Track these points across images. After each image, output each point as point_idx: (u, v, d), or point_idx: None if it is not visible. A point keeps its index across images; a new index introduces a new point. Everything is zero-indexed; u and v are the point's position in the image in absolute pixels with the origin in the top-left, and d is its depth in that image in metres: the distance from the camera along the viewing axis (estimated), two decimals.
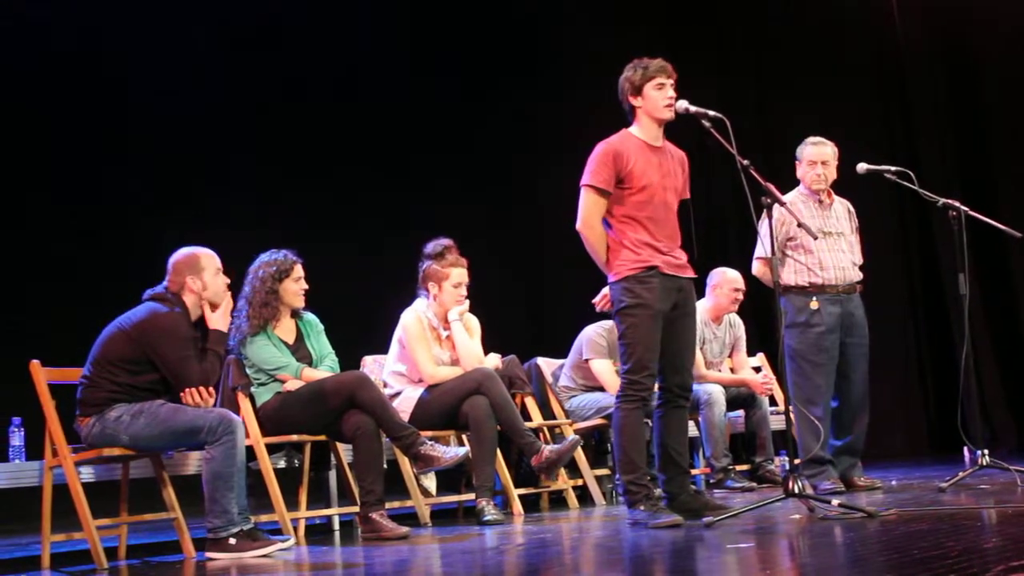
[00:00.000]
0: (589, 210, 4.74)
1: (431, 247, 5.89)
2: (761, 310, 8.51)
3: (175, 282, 4.76)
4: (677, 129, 4.87)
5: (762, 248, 5.61)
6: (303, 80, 8.43)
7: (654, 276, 4.66)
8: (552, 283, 9.25)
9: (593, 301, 5.25)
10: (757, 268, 5.80)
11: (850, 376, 5.71)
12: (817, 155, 5.78)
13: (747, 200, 4.66)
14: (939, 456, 8.61)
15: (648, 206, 4.72)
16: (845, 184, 5.91)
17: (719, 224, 9.75)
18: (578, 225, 4.76)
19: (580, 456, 6.24)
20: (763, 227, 4.94)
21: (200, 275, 4.75)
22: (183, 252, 4.81)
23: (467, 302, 5.88)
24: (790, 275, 5.68)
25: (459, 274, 5.83)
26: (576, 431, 6.42)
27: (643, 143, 4.77)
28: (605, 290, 5.08)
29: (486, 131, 9.07)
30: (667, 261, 4.72)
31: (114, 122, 7.59)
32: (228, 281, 4.87)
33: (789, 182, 5.85)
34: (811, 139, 5.86)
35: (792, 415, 4.92)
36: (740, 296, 7.02)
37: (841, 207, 5.89)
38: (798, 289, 5.66)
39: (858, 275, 5.79)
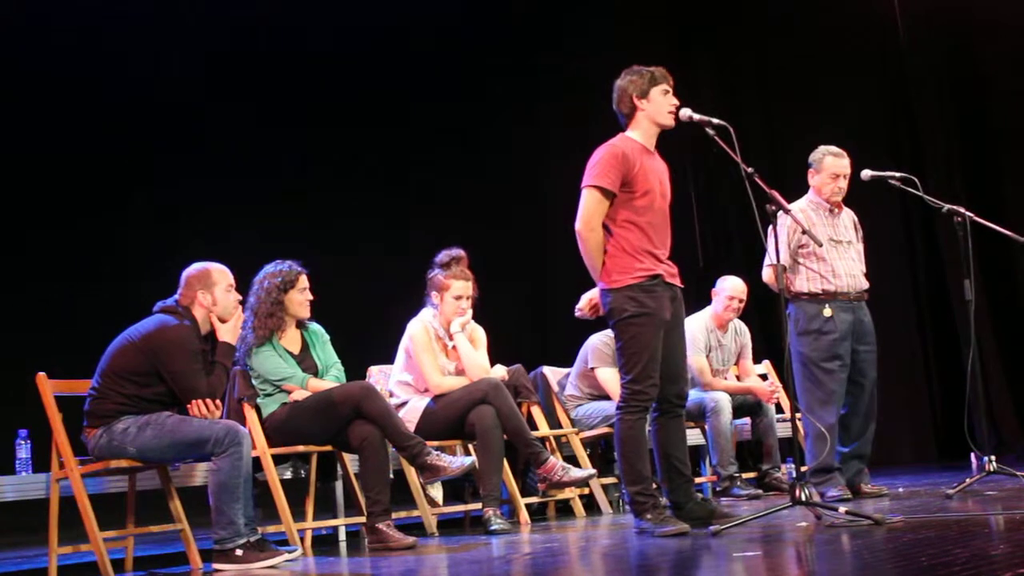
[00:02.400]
0: (592, 211, 4.65)
1: (441, 256, 5.89)
2: (767, 317, 8.51)
3: (186, 296, 4.77)
4: (676, 135, 4.87)
5: (772, 255, 5.60)
6: (305, 86, 8.44)
7: (658, 285, 4.64)
8: (557, 292, 9.24)
9: (578, 307, 5.09)
10: (767, 275, 5.79)
11: (860, 383, 5.72)
12: (840, 168, 5.78)
13: (752, 207, 4.64)
14: (946, 462, 8.59)
15: (649, 212, 4.68)
16: (849, 190, 5.90)
17: (724, 232, 9.75)
18: (578, 226, 4.66)
19: (587, 465, 6.24)
20: (770, 235, 4.93)
21: (211, 290, 4.76)
22: (196, 267, 4.82)
23: (469, 314, 5.87)
24: (803, 282, 5.68)
25: (461, 287, 5.82)
26: (582, 440, 6.43)
27: (642, 147, 4.76)
28: (589, 295, 4.98)
29: (490, 139, 9.08)
30: (666, 269, 4.71)
31: (115, 137, 7.60)
32: (239, 298, 4.90)
33: (793, 189, 5.84)
34: (831, 149, 5.84)
35: (801, 423, 4.89)
36: (736, 305, 6.99)
37: (847, 217, 5.89)
38: (810, 296, 5.66)
39: (866, 283, 5.80)
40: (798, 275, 5.69)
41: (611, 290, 4.65)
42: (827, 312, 5.62)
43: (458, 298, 5.82)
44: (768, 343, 8.30)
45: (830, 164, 5.80)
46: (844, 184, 5.81)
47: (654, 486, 4.71)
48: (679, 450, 4.80)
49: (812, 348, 5.62)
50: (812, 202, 5.83)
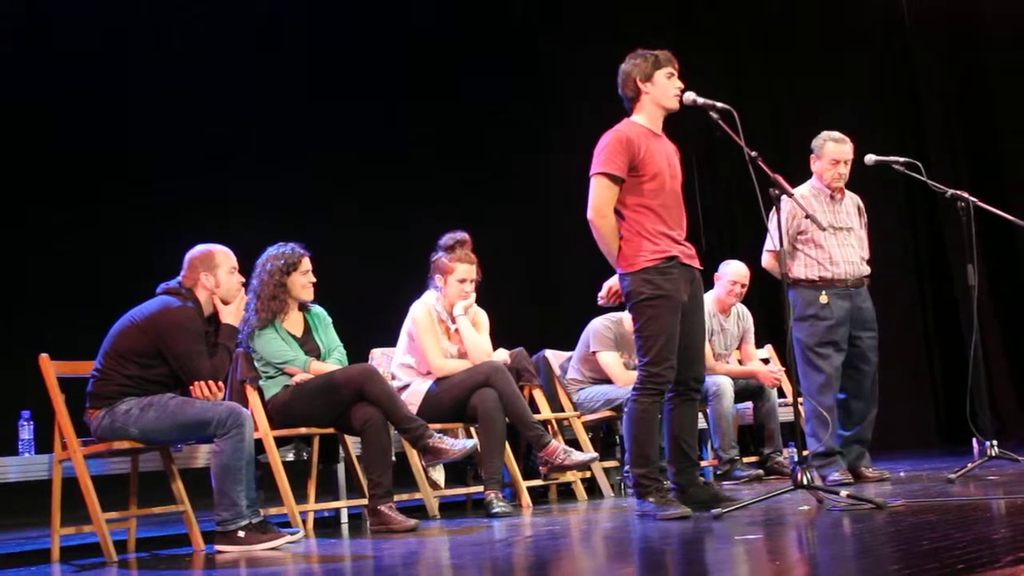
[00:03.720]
0: (602, 198, 4.62)
1: (445, 239, 5.88)
2: (769, 302, 8.51)
3: (189, 278, 4.77)
4: (679, 119, 4.86)
5: (771, 240, 5.60)
6: (308, 77, 8.43)
7: (674, 267, 4.61)
8: (560, 275, 9.25)
9: (600, 295, 5.09)
10: (767, 260, 5.80)
11: (861, 368, 5.72)
12: (841, 154, 5.77)
13: (755, 192, 4.62)
14: (948, 447, 8.61)
15: (660, 194, 4.66)
16: (853, 176, 5.88)
17: (727, 216, 9.73)
18: (589, 214, 4.64)
19: (588, 448, 6.25)
20: (772, 219, 4.92)
21: (214, 272, 4.76)
22: (199, 249, 4.82)
23: (472, 297, 5.86)
24: (800, 268, 5.68)
25: (465, 270, 5.82)
26: (584, 423, 6.44)
27: (648, 131, 4.73)
28: (610, 283, 4.98)
29: (493, 124, 9.06)
30: (682, 251, 4.68)
31: (118, 118, 7.60)
32: (243, 280, 4.89)
33: (796, 174, 5.83)
34: (832, 135, 5.82)
35: (802, 407, 4.89)
36: (739, 289, 7.00)
37: (851, 202, 5.89)
38: (807, 282, 5.67)
39: (867, 269, 5.80)
40: (796, 261, 5.69)
41: (628, 274, 4.63)
42: (823, 299, 5.63)
43: (462, 281, 5.81)
44: (771, 327, 8.31)
45: (831, 150, 5.79)
46: (845, 170, 5.79)
47: (659, 470, 4.70)
48: (689, 434, 4.78)
49: (808, 333, 5.63)
50: (814, 188, 5.82)
